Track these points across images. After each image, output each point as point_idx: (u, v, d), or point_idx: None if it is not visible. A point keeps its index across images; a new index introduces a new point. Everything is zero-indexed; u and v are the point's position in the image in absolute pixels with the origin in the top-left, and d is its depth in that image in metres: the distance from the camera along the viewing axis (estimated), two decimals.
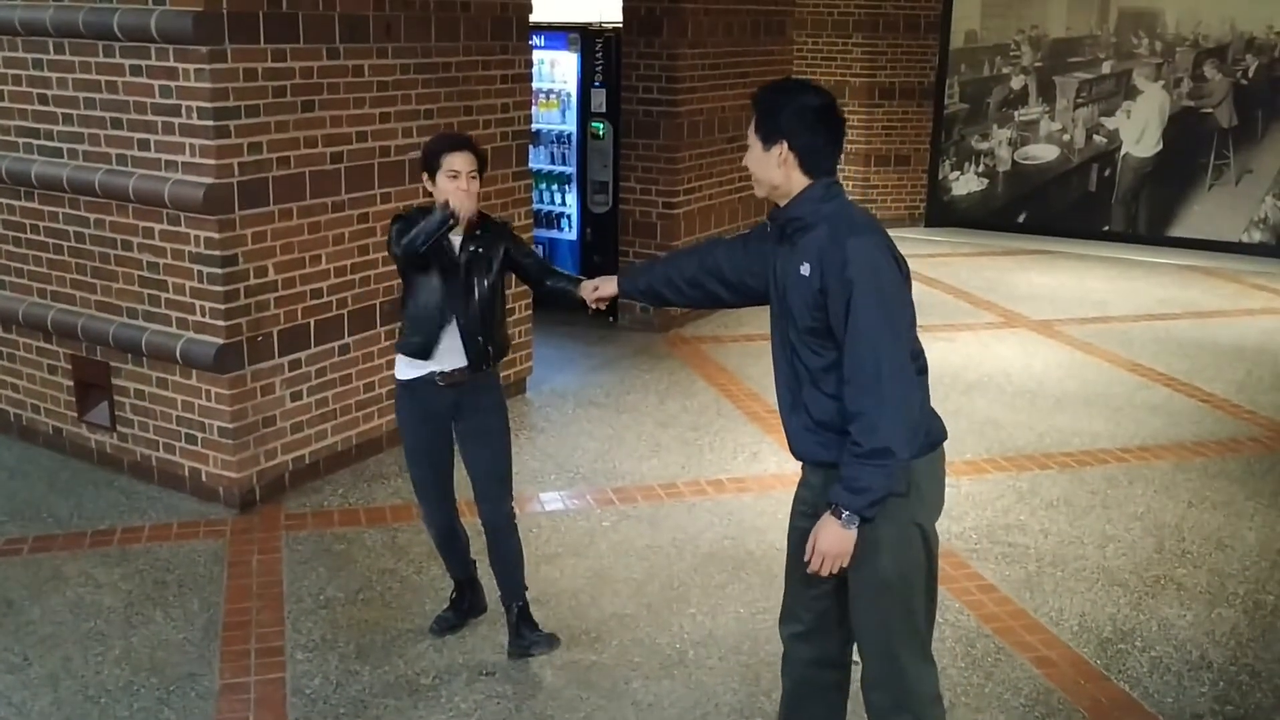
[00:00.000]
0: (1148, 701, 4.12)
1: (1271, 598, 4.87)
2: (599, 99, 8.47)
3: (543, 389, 7.23)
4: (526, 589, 4.32)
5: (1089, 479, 6.05)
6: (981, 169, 12.63)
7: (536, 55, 7.66)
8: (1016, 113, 12.38)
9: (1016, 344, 8.51)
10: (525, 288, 4.35)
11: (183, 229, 5.24)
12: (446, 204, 3.84)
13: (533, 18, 6.83)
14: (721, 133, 8.83)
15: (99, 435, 5.84)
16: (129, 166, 5.33)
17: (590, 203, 8.68)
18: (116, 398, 5.69)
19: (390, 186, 5.91)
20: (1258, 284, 10.58)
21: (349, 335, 5.85)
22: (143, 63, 5.15)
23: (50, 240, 5.74)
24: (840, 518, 2.94)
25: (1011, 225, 12.56)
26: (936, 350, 3.12)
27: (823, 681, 3.38)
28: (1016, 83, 12.33)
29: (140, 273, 5.44)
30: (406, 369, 4.09)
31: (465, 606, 4.49)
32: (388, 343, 5.98)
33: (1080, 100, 12.12)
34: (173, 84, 5.08)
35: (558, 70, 8.57)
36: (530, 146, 7.09)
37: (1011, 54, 12.32)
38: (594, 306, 3.80)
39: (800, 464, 3.22)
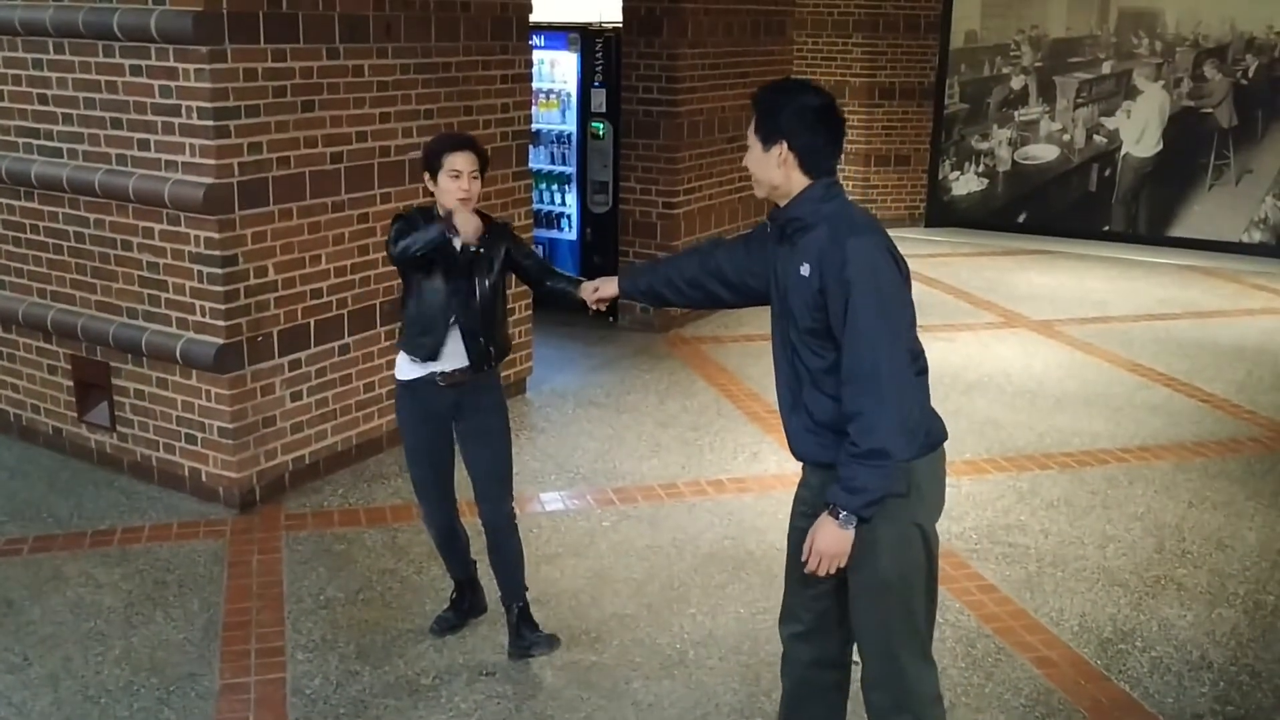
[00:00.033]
0: (1148, 702, 4.12)
1: (1272, 598, 4.87)
2: (599, 99, 8.47)
3: (543, 389, 7.23)
4: (527, 589, 4.31)
5: (1089, 479, 6.05)
6: (981, 169, 12.63)
7: (536, 55, 7.66)
8: (1016, 113, 12.38)
9: (1016, 344, 8.51)
10: (525, 288, 4.35)
11: (183, 229, 5.24)
12: (450, 221, 3.81)
13: (533, 18, 6.83)
14: (721, 133, 8.83)
15: (99, 435, 5.84)
16: (129, 166, 5.32)
17: (590, 203, 8.68)
18: (116, 398, 5.69)
19: (390, 186, 5.91)
20: (1258, 284, 10.58)
21: (349, 335, 5.85)
22: (143, 63, 5.15)
23: (50, 240, 5.74)
24: (837, 518, 2.94)
25: (1011, 225, 12.56)
26: (936, 350, 3.12)
27: (822, 682, 3.38)
28: (1016, 83, 12.33)
29: (140, 273, 5.44)
30: (407, 369, 4.08)
31: (465, 607, 4.49)
32: (388, 343, 5.98)
33: (1080, 100, 12.12)
34: (173, 84, 5.08)
35: (558, 70, 8.57)
36: (530, 146, 7.09)
37: (1011, 54, 12.32)
38: (594, 308, 3.79)
39: (800, 464, 3.22)
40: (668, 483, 5.90)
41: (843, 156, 3.29)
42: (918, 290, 3.21)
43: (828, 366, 2.99)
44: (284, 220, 5.41)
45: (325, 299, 5.70)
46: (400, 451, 4.67)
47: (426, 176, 3.99)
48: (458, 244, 3.88)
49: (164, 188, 5.18)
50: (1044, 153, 12.35)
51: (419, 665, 4.25)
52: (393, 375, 4.26)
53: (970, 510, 5.61)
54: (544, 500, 5.68)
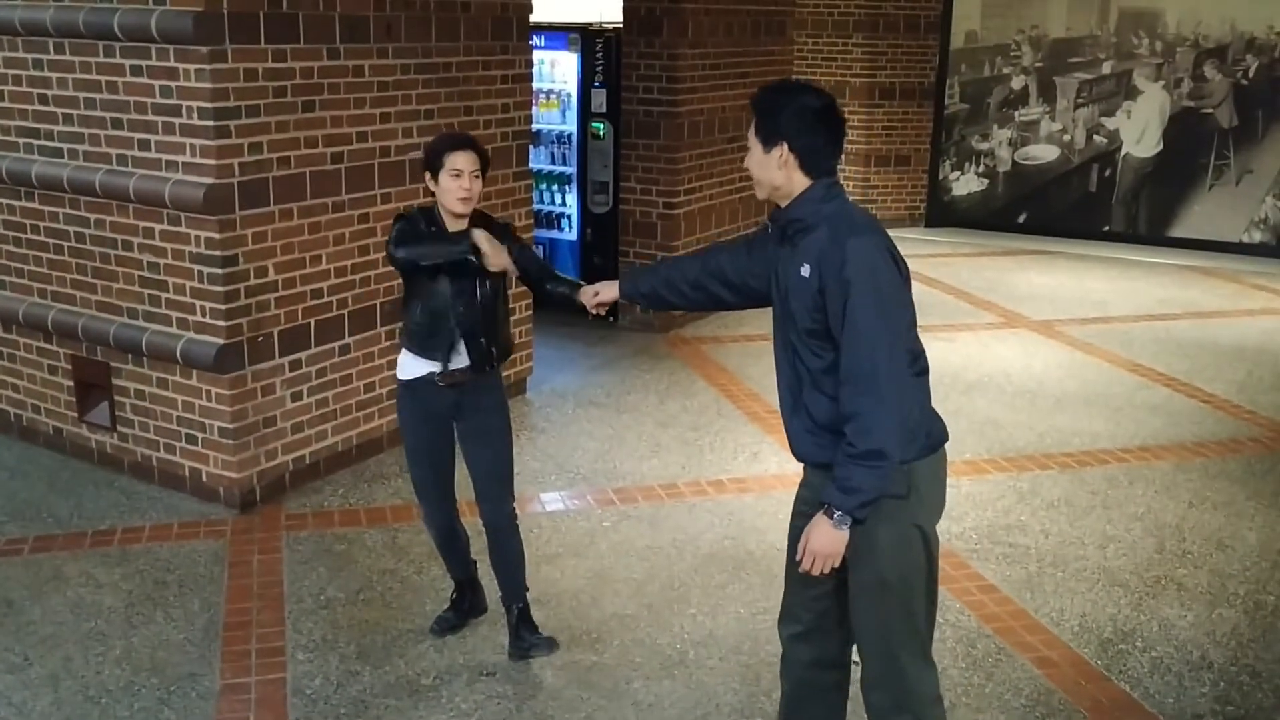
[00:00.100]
0: (1148, 702, 4.12)
1: (1272, 598, 4.87)
2: (599, 99, 8.47)
3: (543, 389, 7.23)
4: (528, 590, 4.32)
5: (1089, 479, 6.05)
6: (982, 169, 12.63)
7: (537, 55, 7.66)
8: (1017, 113, 12.38)
9: (1017, 344, 8.51)
10: (525, 288, 4.35)
11: (183, 229, 5.24)
12: (476, 246, 3.81)
13: (533, 18, 6.83)
14: (722, 133, 8.83)
15: (99, 435, 5.84)
16: (129, 167, 5.33)
17: (590, 203, 8.68)
18: (117, 398, 5.69)
19: (391, 187, 5.91)
20: (1258, 284, 10.58)
21: (349, 335, 5.85)
22: (143, 63, 5.15)
23: (51, 240, 5.74)
24: (832, 517, 2.94)
25: (1012, 225, 12.56)
26: (936, 350, 3.12)
27: (822, 682, 3.38)
28: (1017, 83, 12.33)
29: (140, 273, 5.44)
30: (408, 368, 4.08)
31: (466, 607, 4.49)
32: (388, 343, 5.98)
33: (1080, 100, 12.12)
34: (173, 84, 5.08)
35: (558, 70, 8.57)
36: (530, 147, 7.09)
37: (1012, 54, 12.32)
38: (594, 312, 3.79)
39: (801, 465, 3.23)
40: (668, 483, 5.90)
41: (843, 157, 3.29)
42: (918, 290, 3.21)
43: (827, 367, 2.99)
44: (284, 220, 5.41)
45: (326, 299, 5.70)
46: (400, 452, 4.67)
47: (427, 176, 3.99)
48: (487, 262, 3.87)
49: (164, 188, 5.18)
50: (1044, 153, 12.35)
51: (419, 665, 4.25)
52: (393, 375, 4.26)
53: (970, 510, 5.61)
54: (544, 500, 5.68)
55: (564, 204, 8.79)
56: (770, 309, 3.24)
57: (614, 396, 7.16)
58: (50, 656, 4.26)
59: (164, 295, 5.38)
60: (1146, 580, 4.99)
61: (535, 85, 7.56)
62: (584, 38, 8.43)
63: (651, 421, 6.74)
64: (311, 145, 5.48)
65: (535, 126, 7.59)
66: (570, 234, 8.81)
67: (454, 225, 3.98)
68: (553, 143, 8.70)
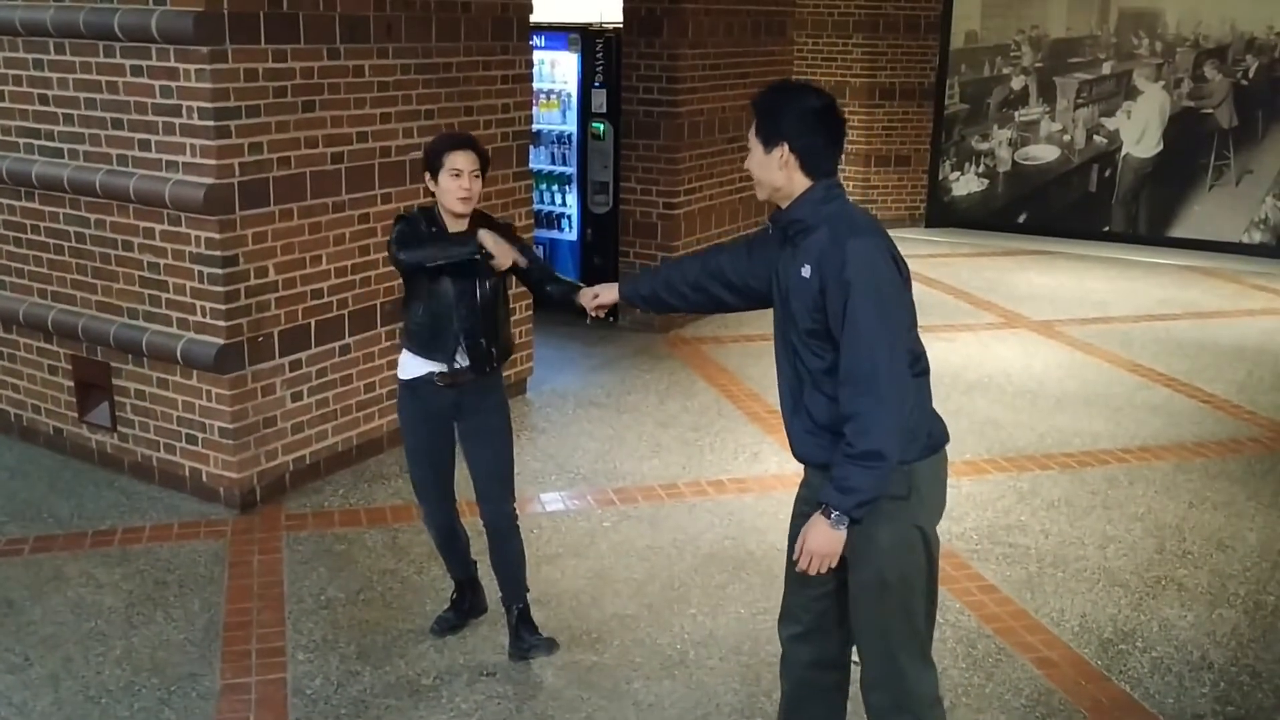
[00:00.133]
0: (1149, 702, 4.12)
1: (1272, 598, 4.87)
2: (599, 99, 8.47)
3: (543, 389, 7.23)
4: (528, 590, 4.31)
5: (1089, 479, 6.05)
6: (982, 169, 12.63)
7: (537, 55, 7.66)
8: (1017, 113, 12.38)
9: (1017, 344, 8.51)
10: (525, 288, 4.36)
11: (183, 229, 5.24)
12: (483, 246, 3.82)
13: (533, 18, 6.83)
14: (722, 133, 8.83)
15: (100, 435, 5.84)
16: (129, 167, 5.33)
17: (590, 203, 8.68)
18: (117, 398, 5.69)
19: (391, 187, 5.91)
20: (1258, 284, 10.59)
21: (349, 336, 5.85)
22: (143, 63, 5.16)
23: (51, 240, 5.75)
24: (829, 517, 2.94)
25: (1012, 226, 12.56)
26: (936, 350, 3.13)
27: (822, 683, 3.38)
28: (1017, 83, 12.34)
29: (141, 273, 5.44)
30: (409, 368, 4.08)
31: (466, 607, 4.49)
32: (388, 343, 5.98)
33: (1080, 101, 12.12)
34: (173, 84, 5.08)
35: (558, 70, 8.57)
36: (531, 147, 7.09)
37: (1012, 54, 12.32)
38: (593, 314, 3.79)
39: (802, 465, 3.23)
40: (668, 483, 5.90)
41: (843, 157, 3.29)
42: (918, 290, 3.21)
43: (828, 368, 2.99)
44: (284, 220, 5.41)
45: (326, 299, 5.70)
46: (400, 452, 4.68)
47: (427, 176, 3.99)
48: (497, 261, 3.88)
49: (165, 188, 5.18)
50: (1044, 153, 12.35)
51: (420, 665, 4.25)
52: (393, 376, 4.27)
53: (971, 510, 5.61)
54: (544, 500, 5.68)
55: (564, 204, 8.79)
56: (770, 310, 3.24)
57: (614, 397, 7.16)
58: (51, 656, 4.26)
59: (164, 295, 5.38)
60: (1147, 580, 4.99)
61: (535, 85, 7.56)
62: (584, 38, 8.43)
63: (652, 422, 6.74)
64: (312, 145, 5.48)
65: (535, 127, 7.59)
66: (570, 234, 8.81)
67: (454, 225, 3.99)
68: (553, 143, 8.71)
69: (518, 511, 4.28)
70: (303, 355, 5.62)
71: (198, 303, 5.28)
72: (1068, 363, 8.08)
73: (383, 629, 4.49)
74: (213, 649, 4.33)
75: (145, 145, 5.24)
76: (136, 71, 5.19)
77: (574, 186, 8.71)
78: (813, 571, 3.02)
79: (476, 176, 3.94)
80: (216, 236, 5.16)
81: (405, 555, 5.07)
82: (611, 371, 7.65)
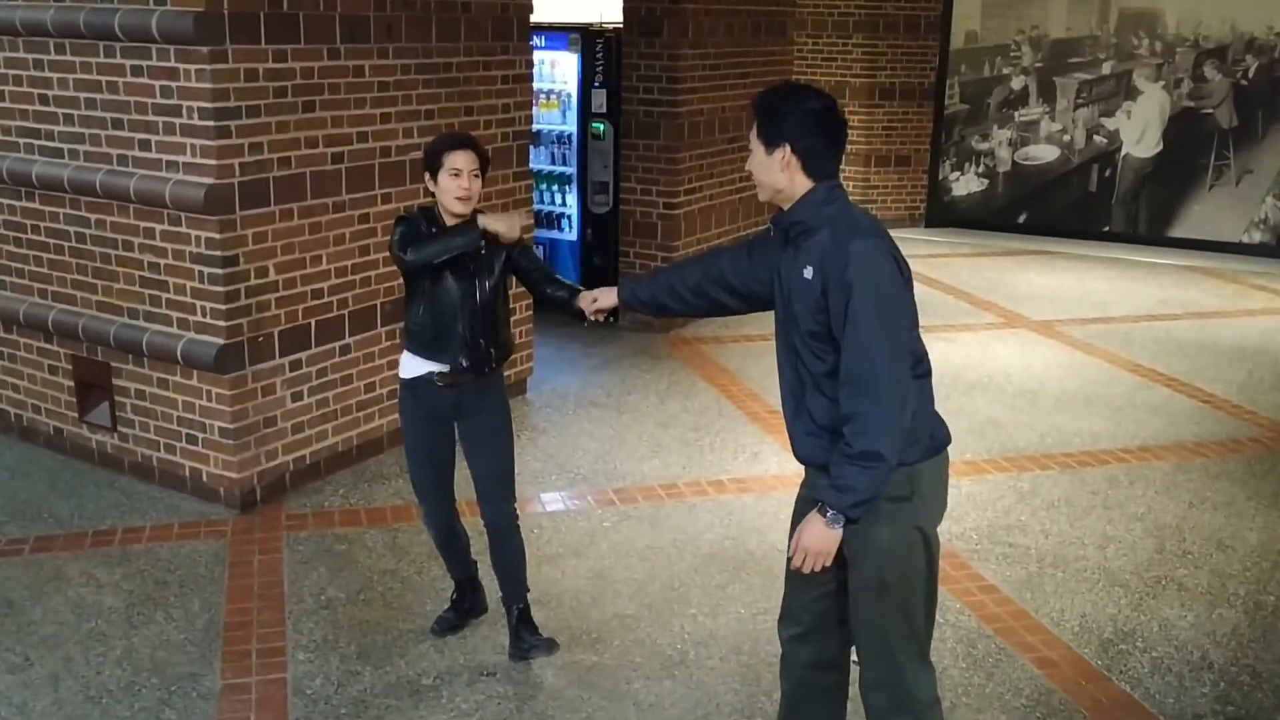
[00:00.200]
0: (1149, 702, 4.12)
1: (1272, 598, 4.88)
2: (599, 99, 8.47)
3: (543, 389, 7.24)
4: (528, 590, 4.32)
5: (1090, 479, 6.05)
6: (982, 169, 12.63)
7: (537, 56, 7.66)
8: (1017, 113, 12.38)
9: (1017, 344, 8.51)
10: (524, 289, 4.36)
11: (184, 229, 5.24)
12: (486, 230, 3.82)
13: (533, 18, 6.83)
14: (722, 133, 8.83)
15: (100, 435, 5.84)
16: (130, 167, 5.33)
17: (591, 203, 8.68)
18: (117, 398, 5.70)
19: (391, 187, 5.91)
20: (1258, 284, 10.59)
21: (350, 335, 5.85)
22: (144, 63, 5.16)
23: (51, 240, 5.75)
24: (825, 516, 2.94)
25: (1012, 226, 12.57)
26: (937, 350, 3.13)
27: (822, 683, 3.38)
28: (1017, 83, 12.34)
29: (141, 273, 5.44)
30: (409, 368, 4.08)
31: (466, 607, 4.49)
32: (389, 343, 5.98)
33: (1080, 101, 12.12)
34: (174, 84, 5.08)
35: (558, 70, 8.57)
36: (531, 147, 7.09)
37: (1012, 54, 12.32)
38: (592, 318, 3.79)
39: (802, 466, 3.23)
40: (668, 483, 5.90)
41: (843, 158, 3.29)
42: (918, 291, 3.21)
43: (830, 370, 2.99)
44: (285, 220, 5.41)
45: (326, 299, 5.70)
46: (400, 452, 4.67)
47: (427, 176, 4.00)
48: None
49: (165, 188, 5.18)
50: (1044, 153, 12.35)
51: (420, 665, 4.25)
52: (393, 376, 4.27)
53: (971, 511, 5.61)
54: (544, 500, 5.68)
55: (564, 204, 8.79)
56: (770, 310, 3.24)
57: (614, 397, 7.16)
58: (51, 656, 4.26)
59: (164, 295, 5.39)
60: (1147, 580, 5.00)
61: (535, 85, 7.57)
62: (584, 38, 8.43)
63: (652, 422, 6.74)
64: (312, 145, 5.48)
65: (535, 127, 7.59)
66: (570, 234, 8.81)
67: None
68: (553, 143, 8.71)
69: (518, 511, 4.28)
70: (303, 355, 5.62)
71: (198, 303, 5.28)
72: (1068, 363, 8.09)
73: (383, 629, 4.49)
74: (213, 649, 4.33)
75: (145, 145, 5.24)
76: (137, 71, 5.19)
77: (574, 186, 8.71)
78: (806, 570, 3.02)
79: (476, 176, 3.94)
80: (217, 236, 5.16)
81: (405, 555, 5.07)
82: (612, 371, 7.65)
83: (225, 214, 5.16)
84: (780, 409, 3.24)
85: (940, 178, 12.72)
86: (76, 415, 5.89)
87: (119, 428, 5.74)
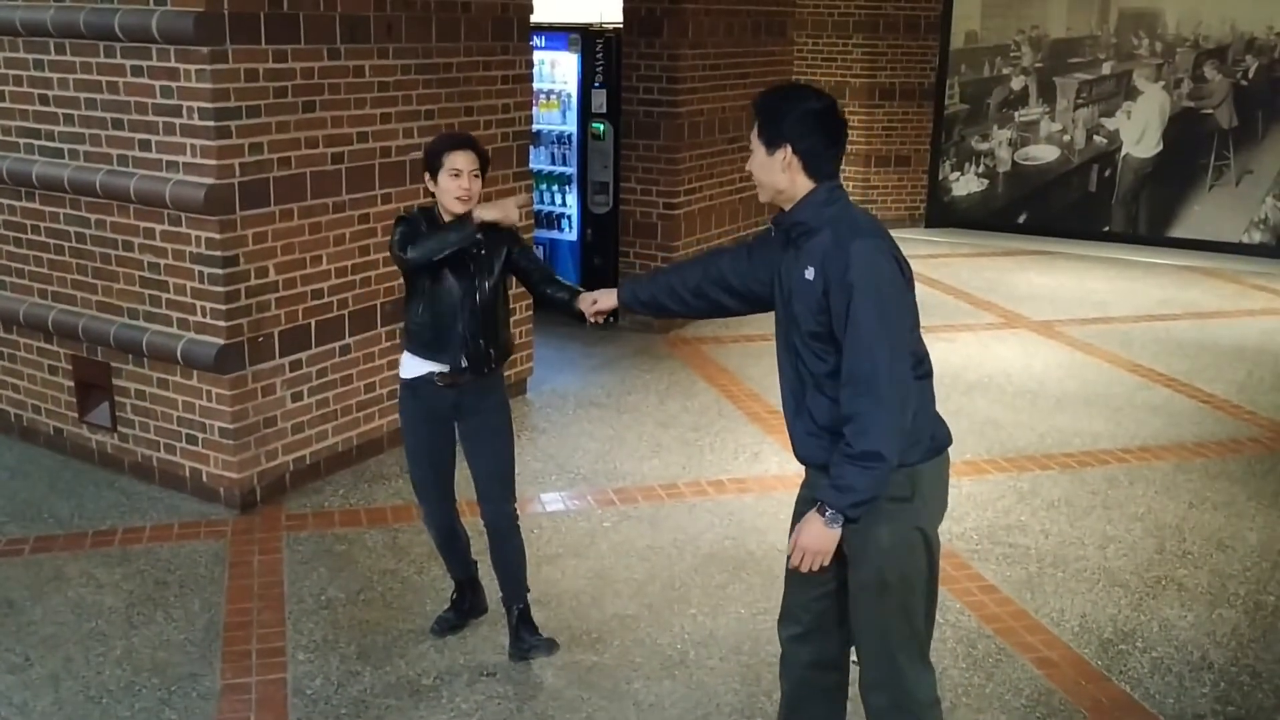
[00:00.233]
0: (1149, 702, 4.12)
1: (1272, 598, 4.88)
2: (599, 99, 8.47)
3: (543, 389, 7.24)
4: (528, 590, 4.32)
5: (1090, 479, 6.05)
6: (982, 169, 12.63)
7: (537, 56, 7.66)
8: (1017, 113, 12.38)
9: (1017, 344, 8.51)
10: (524, 289, 4.37)
11: (184, 229, 5.24)
12: (483, 222, 3.82)
13: (533, 18, 6.83)
14: (722, 133, 8.83)
15: (100, 436, 5.84)
16: (130, 167, 5.33)
17: (591, 203, 8.68)
18: (117, 398, 5.70)
19: (391, 187, 5.91)
20: (1258, 284, 10.59)
21: (350, 336, 5.85)
22: (144, 63, 5.16)
23: (51, 241, 5.75)
24: (824, 515, 2.94)
25: (1012, 226, 12.57)
26: (937, 351, 3.13)
27: (822, 683, 3.38)
28: (1017, 83, 12.34)
29: (141, 273, 5.45)
30: (409, 368, 4.08)
31: (466, 607, 4.49)
32: (389, 343, 5.98)
33: (1080, 101, 12.12)
34: (174, 84, 5.08)
35: (558, 71, 8.57)
36: (531, 147, 7.09)
37: (1012, 54, 12.33)
38: (592, 320, 3.79)
39: (803, 466, 3.23)
40: (668, 483, 5.90)
41: (843, 158, 3.29)
42: (918, 291, 3.20)
43: (831, 370, 2.99)
44: (285, 221, 5.41)
45: (326, 299, 5.70)
46: (401, 452, 4.68)
47: (427, 176, 4.00)
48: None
49: (165, 188, 5.18)
50: (1044, 153, 12.36)
51: (420, 666, 4.25)
52: (393, 376, 4.27)
53: (971, 511, 5.61)
54: (544, 501, 5.68)
55: (564, 204, 8.79)
56: (770, 311, 3.24)
57: (614, 397, 7.16)
58: (51, 657, 4.26)
59: (164, 295, 5.39)
60: (1147, 580, 5.00)
61: (535, 86, 7.57)
62: (584, 38, 8.43)
63: (652, 422, 6.74)
64: (312, 145, 5.48)
65: (535, 127, 7.59)
66: (570, 234, 8.81)
67: None
68: (553, 143, 8.71)
69: (518, 511, 4.28)
70: (303, 355, 5.63)
71: (198, 303, 5.28)
72: (1068, 363, 8.09)
73: (383, 629, 4.49)
74: (213, 649, 4.33)
75: (145, 145, 5.24)
76: (137, 72, 5.19)
77: (574, 187, 8.71)
78: (804, 568, 3.02)
79: (476, 176, 3.94)
80: (217, 237, 5.16)
81: (405, 555, 5.07)
82: (611, 372, 7.65)
83: (225, 214, 5.16)
84: (780, 409, 3.24)
85: (940, 178, 12.72)
86: (76, 415, 5.89)
87: (119, 428, 5.74)
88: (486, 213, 3.87)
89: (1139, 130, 11.94)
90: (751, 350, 8.04)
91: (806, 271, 2.97)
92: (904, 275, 2.99)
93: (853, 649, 3.31)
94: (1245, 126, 11.59)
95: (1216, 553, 5.27)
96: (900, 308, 2.96)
